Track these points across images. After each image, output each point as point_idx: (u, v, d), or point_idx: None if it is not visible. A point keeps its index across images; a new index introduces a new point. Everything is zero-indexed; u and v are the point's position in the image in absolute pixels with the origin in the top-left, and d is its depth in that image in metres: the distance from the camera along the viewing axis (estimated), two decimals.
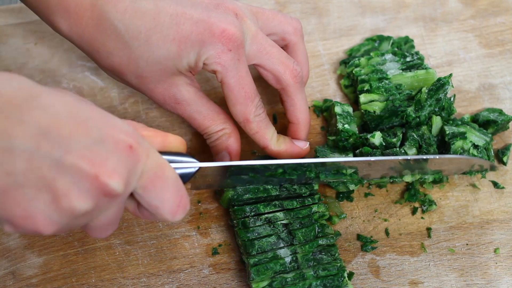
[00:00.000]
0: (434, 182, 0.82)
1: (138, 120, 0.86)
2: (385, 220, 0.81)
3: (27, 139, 0.51)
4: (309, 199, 0.78)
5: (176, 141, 0.64)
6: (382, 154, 0.79)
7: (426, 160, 0.77)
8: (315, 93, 0.88)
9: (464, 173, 0.82)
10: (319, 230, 0.76)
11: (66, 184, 0.53)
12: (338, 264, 0.75)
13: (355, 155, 0.80)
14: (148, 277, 0.78)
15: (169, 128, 0.86)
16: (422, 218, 0.81)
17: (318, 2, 0.94)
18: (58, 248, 0.80)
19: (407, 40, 0.89)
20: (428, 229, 0.80)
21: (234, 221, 0.77)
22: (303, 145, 0.79)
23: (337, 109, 0.82)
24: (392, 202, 0.82)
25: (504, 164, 0.83)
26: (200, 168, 0.67)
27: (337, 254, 0.76)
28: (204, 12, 0.72)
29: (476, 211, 0.81)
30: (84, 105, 0.56)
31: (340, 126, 0.80)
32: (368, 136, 0.80)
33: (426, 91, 0.80)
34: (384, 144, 0.80)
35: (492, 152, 0.82)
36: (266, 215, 0.76)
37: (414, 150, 0.80)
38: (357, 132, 0.81)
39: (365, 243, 0.80)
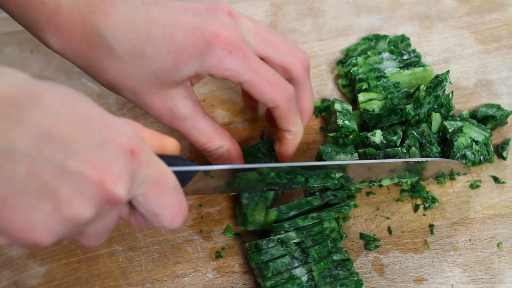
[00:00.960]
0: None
1: None
2: (387, 218, 0.81)
3: (27, 142, 0.48)
4: (346, 207, 0.77)
5: (173, 144, 0.62)
6: (385, 155, 0.79)
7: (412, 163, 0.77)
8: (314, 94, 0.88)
9: (437, 177, 0.82)
10: (332, 245, 0.75)
11: (69, 191, 0.50)
12: (355, 279, 0.74)
13: (358, 155, 0.80)
14: (152, 283, 0.78)
15: (168, 133, 0.86)
16: (424, 215, 0.81)
17: (313, 3, 0.94)
18: (61, 257, 0.79)
19: (403, 39, 0.89)
20: (431, 225, 0.81)
21: (247, 244, 0.76)
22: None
23: (337, 106, 0.82)
24: (394, 200, 0.82)
25: (504, 159, 0.84)
26: (198, 171, 0.66)
27: (352, 268, 0.75)
28: (196, 19, 0.70)
29: (478, 207, 0.82)
30: (84, 104, 0.53)
31: (340, 122, 0.81)
32: (369, 134, 0.80)
33: (425, 88, 0.80)
34: (384, 142, 0.80)
35: (492, 147, 0.83)
36: (278, 236, 0.75)
37: (414, 149, 0.80)
38: (357, 129, 0.81)
39: (368, 241, 0.80)
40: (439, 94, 0.81)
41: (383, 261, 0.79)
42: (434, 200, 0.81)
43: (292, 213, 0.77)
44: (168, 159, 0.61)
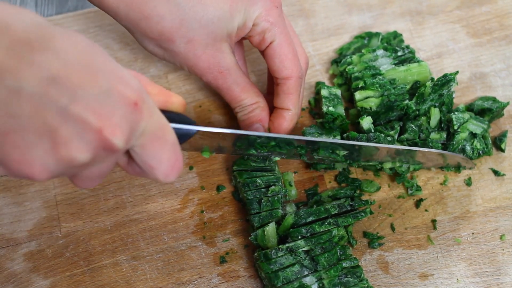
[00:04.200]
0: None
1: None
2: (390, 215, 0.81)
3: (36, 83, 0.50)
4: (362, 213, 0.77)
5: (178, 102, 0.64)
6: (367, 140, 0.79)
7: (407, 150, 0.78)
8: (309, 94, 0.88)
9: (441, 168, 0.83)
10: (341, 252, 0.75)
11: (69, 134, 0.52)
12: (366, 285, 0.74)
13: (342, 139, 0.81)
14: None
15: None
16: (426, 210, 0.81)
17: (304, 4, 0.94)
18: (64, 269, 0.79)
19: (395, 35, 0.89)
20: (433, 221, 0.81)
21: (255, 254, 0.76)
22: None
23: (324, 92, 0.83)
24: (395, 197, 0.82)
25: (503, 151, 0.84)
26: (198, 131, 0.66)
27: (362, 275, 0.75)
28: None
29: (479, 200, 0.82)
30: (96, 53, 0.54)
31: (324, 108, 0.82)
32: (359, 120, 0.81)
33: (431, 85, 0.80)
34: (373, 131, 0.81)
35: (490, 140, 0.83)
36: (287, 245, 0.74)
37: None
38: (344, 114, 0.82)
39: (372, 240, 0.80)
40: (443, 93, 0.81)
41: (388, 258, 0.79)
42: (418, 188, 0.81)
43: (310, 219, 0.76)
44: (171, 116, 0.62)
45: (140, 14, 0.74)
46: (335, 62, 0.89)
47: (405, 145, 0.81)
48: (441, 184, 0.83)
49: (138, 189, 0.83)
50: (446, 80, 0.80)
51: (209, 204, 0.82)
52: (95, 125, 0.52)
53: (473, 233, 0.80)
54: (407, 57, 0.84)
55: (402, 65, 0.83)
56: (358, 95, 0.82)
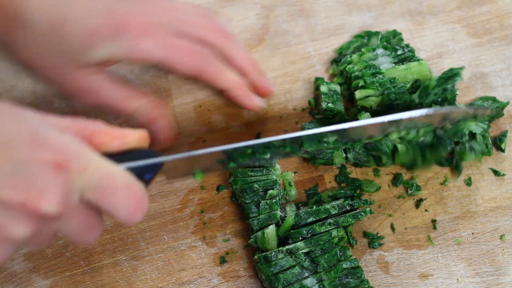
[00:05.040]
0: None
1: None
2: (390, 215, 0.81)
3: None
4: (362, 213, 0.77)
5: (135, 138, 0.63)
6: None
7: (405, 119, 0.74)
8: (309, 94, 0.88)
9: (453, 123, 0.80)
10: (341, 253, 0.75)
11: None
12: (366, 286, 0.74)
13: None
14: None
15: None
16: (426, 210, 0.81)
17: (304, 4, 0.94)
18: (64, 269, 0.79)
19: (395, 34, 0.89)
20: (433, 221, 0.81)
21: (255, 257, 0.76)
22: (259, 102, 0.78)
23: (323, 88, 0.83)
24: (395, 197, 0.82)
25: (503, 151, 0.84)
26: (164, 163, 0.64)
27: (363, 275, 0.75)
28: (113, 4, 0.72)
29: (479, 200, 0.82)
30: (9, 121, 0.54)
31: (324, 105, 0.82)
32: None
33: (436, 78, 0.80)
34: None
35: (490, 140, 0.83)
36: (287, 247, 0.74)
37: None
38: (343, 110, 0.82)
39: (372, 239, 0.79)
40: (447, 88, 0.81)
41: (388, 258, 0.79)
42: (418, 188, 0.81)
43: (310, 219, 0.76)
44: (133, 154, 0.62)
45: (3, 43, 0.73)
46: (335, 61, 0.89)
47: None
48: (441, 184, 0.83)
49: None
50: (452, 74, 0.80)
51: (209, 204, 0.82)
52: (16, 200, 0.52)
53: (473, 233, 0.80)
54: (407, 56, 0.84)
55: (402, 64, 0.83)
56: (358, 94, 0.82)
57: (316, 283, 0.73)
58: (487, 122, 0.82)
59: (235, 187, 0.79)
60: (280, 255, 0.74)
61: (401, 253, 0.79)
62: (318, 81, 0.86)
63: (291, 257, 0.74)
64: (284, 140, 0.71)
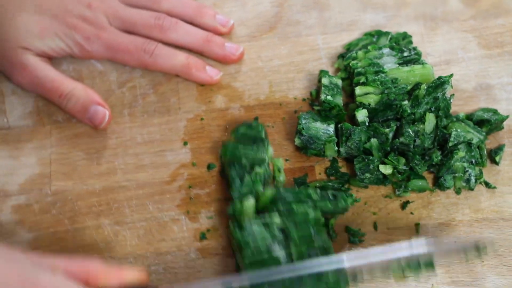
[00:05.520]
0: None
1: (134, 105, 0.87)
2: (374, 213, 0.81)
3: None
4: (342, 201, 0.78)
5: (133, 277, 0.65)
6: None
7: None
8: (312, 86, 0.89)
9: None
10: (315, 233, 0.75)
11: None
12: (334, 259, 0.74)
13: (336, 128, 0.82)
14: (135, 258, 0.79)
15: (164, 113, 0.87)
16: (411, 213, 0.81)
17: None
18: (48, 226, 0.80)
19: (405, 36, 0.89)
20: (417, 224, 0.80)
21: (230, 223, 0.76)
22: (215, 74, 0.88)
23: (324, 81, 0.84)
24: (383, 196, 0.82)
25: (497, 163, 0.83)
26: None
27: (333, 252, 0.75)
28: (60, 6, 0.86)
29: (466, 209, 0.81)
30: (1, 263, 0.56)
31: (322, 97, 0.82)
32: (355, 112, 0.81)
33: (425, 87, 0.80)
34: (367, 123, 0.81)
35: (485, 151, 0.82)
36: (262, 219, 0.75)
37: (390, 170, 0.80)
38: (341, 104, 0.83)
39: (353, 234, 0.80)
40: (438, 96, 0.81)
41: None
42: (406, 190, 0.81)
43: (290, 198, 0.77)
44: None
45: None
46: (342, 56, 0.89)
47: (398, 148, 0.81)
48: (430, 189, 0.82)
49: (131, 157, 0.84)
50: (440, 82, 0.80)
51: (198, 181, 0.83)
52: None
53: (455, 242, 0.79)
54: (412, 58, 0.84)
55: (406, 65, 0.83)
56: (358, 90, 0.82)
57: (285, 255, 0.73)
58: (484, 133, 0.82)
59: (224, 159, 0.80)
60: (255, 225, 0.74)
61: None
62: (321, 74, 0.87)
63: (265, 229, 0.75)
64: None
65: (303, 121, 0.82)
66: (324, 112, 0.83)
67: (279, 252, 0.73)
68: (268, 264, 0.72)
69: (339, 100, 0.83)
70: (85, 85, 0.85)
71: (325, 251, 0.74)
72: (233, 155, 0.80)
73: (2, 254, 0.57)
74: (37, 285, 0.56)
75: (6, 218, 0.81)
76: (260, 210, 0.77)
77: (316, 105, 0.86)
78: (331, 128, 0.82)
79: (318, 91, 0.88)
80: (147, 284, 0.67)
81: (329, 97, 0.83)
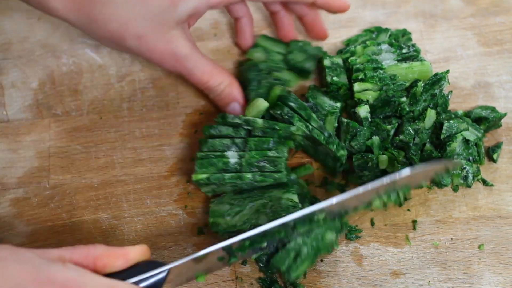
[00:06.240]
0: None
1: (133, 99, 0.87)
2: (371, 210, 0.81)
3: None
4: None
5: (137, 254, 0.65)
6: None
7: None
8: (311, 82, 0.89)
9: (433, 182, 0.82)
10: (272, 146, 0.77)
11: None
12: (277, 176, 0.76)
13: (341, 123, 0.82)
14: None
15: (163, 108, 0.87)
16: (408, 210, 0.81)
17: None
18: (46, 219, 0.81)
19: (404, 33, 0.89)
20: (414, 221, 0.81)
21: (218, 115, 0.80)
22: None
23: (326, 62, 0.85)
24: None
25: (494, 161, 0.83)
26: (170, 269, 0.67)
27: (281, 166, 0.77)
28: None
29: (463, 207, 0.82)
30: (13, 264, 0.56)
31: (328, 78, 0.84)
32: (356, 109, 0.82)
33: (422, 84, 0.80)
34: (369, 119, 0.82)
35: (483, 149, 0.83)
36: (244, 118, 0.79)
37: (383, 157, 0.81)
38: (347, 83, 0.84)
39: (350, 231, 0.80)
40: (436, 93, 0.81)
41: (363, 252, 0.79)
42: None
43: (295, 105, 0.79)
44: (138, 268, 0.65)
45: (88, 18, 0.76)
46: (341, 52, 0.89)
47: (397, 145, 0.81)
48: (427, 186, 0.82)
49: (130, 151, 0.85)
50: (437, 79, 0.80)
51: None
52: None
53: (452, 239, 0.80)
54: (411, 55, 0.84)
55: (405, 62, 0.83)
56: (356, 86, 0.82)
57: (237, 158, 0.76)
58: (482, 131, 0.82)
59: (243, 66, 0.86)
60: (230, 119, 0.78)
61: (377, 248, 0.79)
62: (321, 55, 0.87)
63: (232, 130, 0.78)
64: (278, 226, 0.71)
65: (311, 92, 0.84)
66: (332, 93, 0.84)
67: (231, 153, 0.77)
68: (217, 159, 0.77)
69: (344, 79, 0.84)
70: (231, 79, 0.83)
71: (274, 159, 0.76)
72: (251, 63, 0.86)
73: (11, 255, 0.58)
74: (51, 279, 0.57)
75: (4, 211, 0.81)
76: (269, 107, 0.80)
77: (320, 85, 0.87)
78: (338, 104, 0.83)
79: (319, 72, 0.89)
80: (152, 260, 0.68)
81: (335, 78, 0.83)
